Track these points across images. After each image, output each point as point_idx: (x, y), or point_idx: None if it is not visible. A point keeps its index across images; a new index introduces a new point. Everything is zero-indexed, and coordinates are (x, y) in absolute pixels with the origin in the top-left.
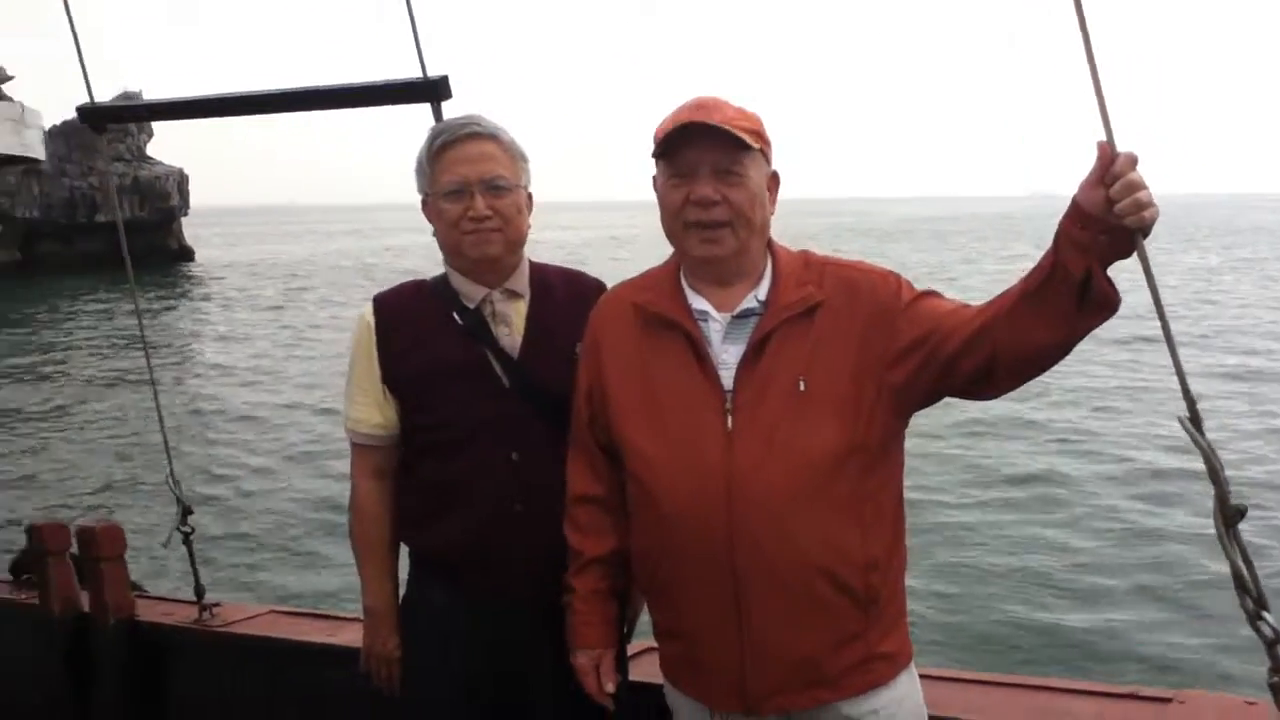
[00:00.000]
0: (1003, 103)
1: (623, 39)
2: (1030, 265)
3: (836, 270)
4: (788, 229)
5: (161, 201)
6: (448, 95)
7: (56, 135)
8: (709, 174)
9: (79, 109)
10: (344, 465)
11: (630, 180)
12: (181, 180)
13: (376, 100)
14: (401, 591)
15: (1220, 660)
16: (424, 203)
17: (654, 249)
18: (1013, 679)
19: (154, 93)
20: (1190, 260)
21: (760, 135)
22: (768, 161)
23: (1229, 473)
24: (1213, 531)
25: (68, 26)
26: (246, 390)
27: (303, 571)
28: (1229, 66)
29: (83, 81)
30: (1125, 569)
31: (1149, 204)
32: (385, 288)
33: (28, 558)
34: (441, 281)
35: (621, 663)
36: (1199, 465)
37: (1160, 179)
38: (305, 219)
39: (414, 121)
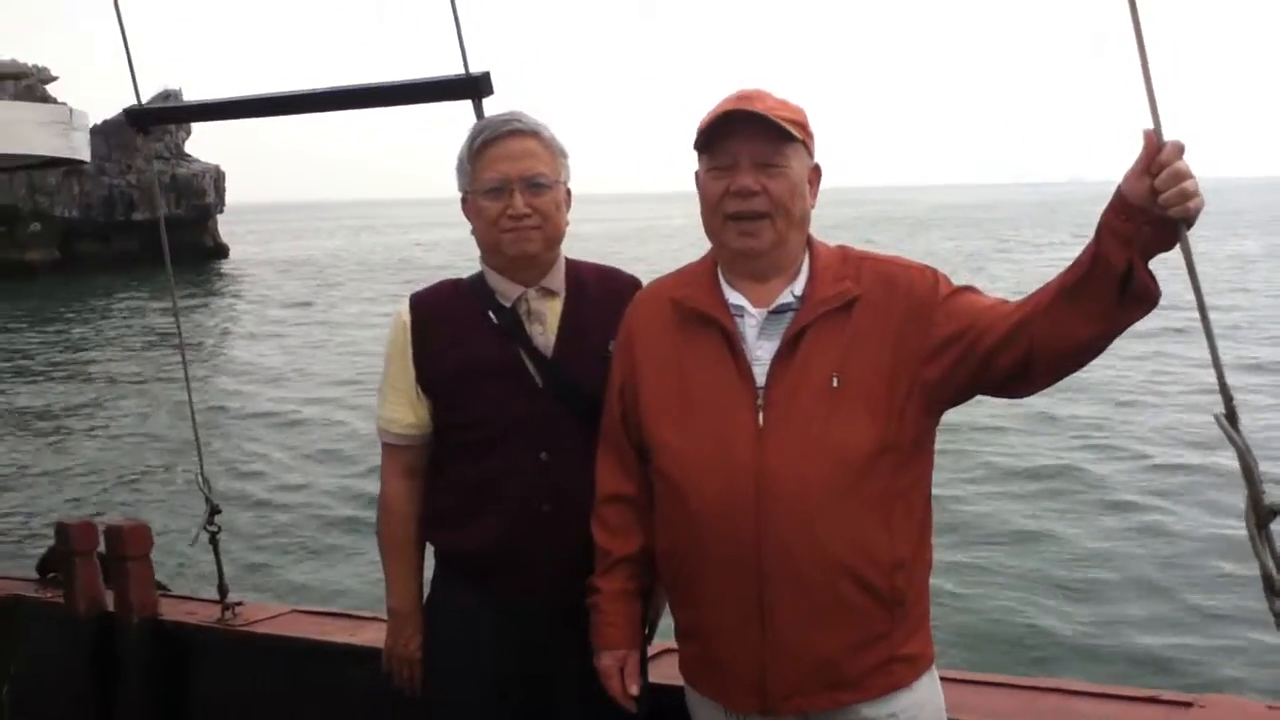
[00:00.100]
0: (1041, 86)
1: (666, 33)
2: (1062, 251)
3: (874, 265)
4: (818, 219)
5: (198, 199)
6: (489, 91)
7: (96, 134)
8: (749, 165)
9: (126, 111)
10: (370, 463)
11: (624, 175)
12: (218, 177)
13: (419, 98)
14: (425, 593)
15: (1242, 664)
16: (463, 200)
17: (644, 245)
18: (1032, 681)
19: (192, 90)
20: (1229, 249)
21: (803, 126)
22: (810, 154)
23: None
24: (1234, 533)
25: (104, 28)
26: (274, 388)
27: (327, 570)
28: (1262, 44)
29: (122, 81)
30: (1145, 570)
31: (1194, 194)
32: (416, 284)
33: (54, 556)
34: (478, 280)
35: (642, 665)
36: (1223, 463)
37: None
38: (337, 214)
39: (450, 117)
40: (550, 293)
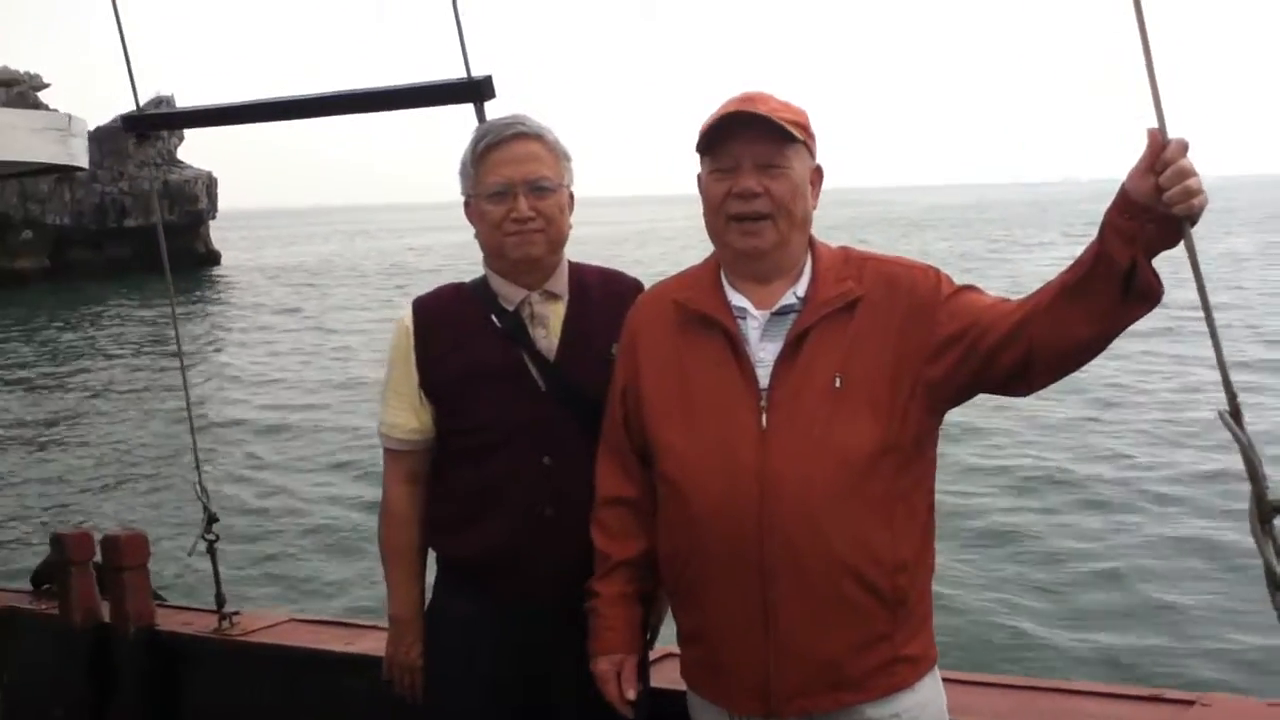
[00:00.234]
0: (1036, 85)
1: (665, 35)
2: (1051, 251)
3: (877, 265)
4: (814, 221)
5: (190, 205)
6: (491, 95)
7: (89, 140)
8: (751, 167)
9: (123, 118)
10: (367, 469)
11: (626, 178)
12: (210, 183)
13: (420, 102)
14: (426, 599)
15: (1243, 663)
16: (466, 204)
17: (643, 248)
18: (1033, 682)
19: (185, 95)
20: (1221, 247)
21: (805, 128)
22: (812, 155)
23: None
24: (1233, 532)
25: (96, 33)
26: (267, 394)
27: (324, 578)
28: (1255, 43)
29: (112, 87)
30: (1144, 569)
31: (1198, 191)
32: (408, 289)
33: (49, 568)
34: (481, 284)
35: (644, 669)
36: (1222, 461)
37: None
38: (331, 220)
39: (444, 121)
40: (553, 296)
